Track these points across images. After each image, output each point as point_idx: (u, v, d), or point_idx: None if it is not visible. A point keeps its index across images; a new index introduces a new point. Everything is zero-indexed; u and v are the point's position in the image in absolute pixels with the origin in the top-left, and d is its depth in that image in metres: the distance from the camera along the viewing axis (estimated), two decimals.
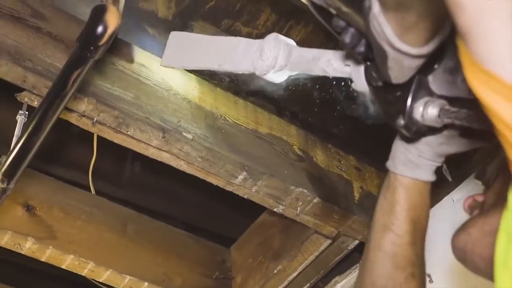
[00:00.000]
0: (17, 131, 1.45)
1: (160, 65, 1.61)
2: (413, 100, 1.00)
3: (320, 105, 2.03)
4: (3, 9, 1.54)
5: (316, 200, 1.78)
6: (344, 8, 0.94)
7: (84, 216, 2.05)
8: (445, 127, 1.04)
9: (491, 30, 0.66)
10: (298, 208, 1.79)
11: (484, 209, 1.23)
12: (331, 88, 2.18)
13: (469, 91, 0.94)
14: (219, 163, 1.66)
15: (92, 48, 1.18)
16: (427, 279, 1.83)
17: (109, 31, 1.17)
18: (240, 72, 1.39)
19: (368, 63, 1.05)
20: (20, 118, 1.48)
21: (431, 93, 1.02)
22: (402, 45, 0.88)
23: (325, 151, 1.96)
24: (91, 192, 2.15)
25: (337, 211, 1.83)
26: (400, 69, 0.94)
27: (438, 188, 1.88)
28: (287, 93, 2.16)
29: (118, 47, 1.68)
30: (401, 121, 1.01)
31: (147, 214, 2.26)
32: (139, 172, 2.37)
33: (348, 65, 1.14)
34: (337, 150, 2.01)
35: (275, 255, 2.11)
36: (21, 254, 1.93)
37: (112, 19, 1.17)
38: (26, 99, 1.52)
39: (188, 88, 1.74)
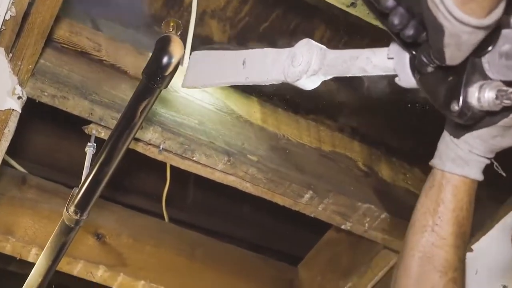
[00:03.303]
0: (86, 163, 1.47)
1: (182, 87, 1.52)
2: (467, 84, 0.96)
3: (381, 118, 2.02)
4: (68, 45, 1.58)
5: (384, 215, 1.77)
6: None
7: (153, 241, 2.08)
8: (502, 111, 0.98)
9: None
10: (366, 224, 1.78)
11: None
12: (390, 100, 2.17)
13: None
14: (285, 183, 1.67)
15: (158, 79, 1.19)
16: None
17: (174, 61, 1.18)
18: (269, 83, 1.33)
19: (414, 52, 1.01)
20: (89, 150, 1.50)
21: (485, 77, 0.97)
22: (463, 15, 0.84)
23: (389, 165, 1.95)
24: (161, 219, 2.17)
25: (406, 225, 1.81)
26: (457, 46, 0.90)
27: (509, 197, 1.84)
28: (347, 108, 2.16)
29: (178, 74, 1.70)
30: (455, 107, 0.96)
31: (214, 237, 2.27)
32: (205, 195, 2.39)
33: (392, 58, 1.08)
34: (402, 163, 1.99)
35: (344, 272, 2.09)
36: (93, 282, 1.96)
37: (176, 49, 1.19)
38: (93, 131, 1.56)
39: (250, 110, 1.76)
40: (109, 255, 1.97)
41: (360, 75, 1.16)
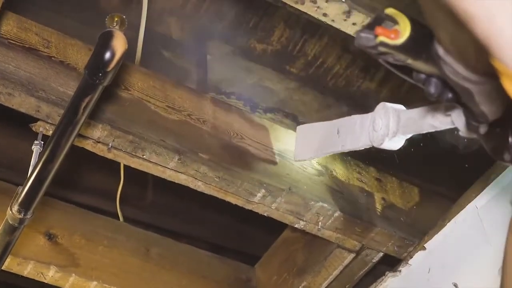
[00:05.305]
0: (33, 161, 1.44)
1: (294, 160, 1.72)
2: None
3: (337, 116, 2.02)
4: (15, 41, 1.55)
5: (337, 214, 1.76)
6: (411, 61, 0.91)
7: (106, 241, 2.05)
8: None
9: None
10: (319, 223, 1.78)
11: None
12: (346, 97, 2.16)
13: None
14: (237, 182, 1.65)
15: (100, 74, 1.17)
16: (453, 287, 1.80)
17: (117, 56, 1.17)
18: (361, 148, 1.45)
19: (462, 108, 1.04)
20: (36, 148, 1.48)
21: None
22: (478, 76, 0.86)
23: (344, 164, 1.94)
24: (115, 219, 2.14)
25: (359, 224, 1.81)
26: (490, 102, 0.92)
27: (461, 195, 1.85)
28: (304, 106, 2.16)
29: (130, 71, 1.68)
30: (508, 157, 0.97)
31: (170, 237, 2.25)
32: (161, 194, 2.36)
33: (449, 115, 1.13)
34: (357, 162, 1.99)
35: (299, 271, 2.08)
36: (44, 283, 1.93)
37: (119, 45, 1.17)
38: (41, 129, 1.53)
39: (203, 108, 1.74)
40: (61, 255, 1.93)
41: (433, 130, 1.22)
